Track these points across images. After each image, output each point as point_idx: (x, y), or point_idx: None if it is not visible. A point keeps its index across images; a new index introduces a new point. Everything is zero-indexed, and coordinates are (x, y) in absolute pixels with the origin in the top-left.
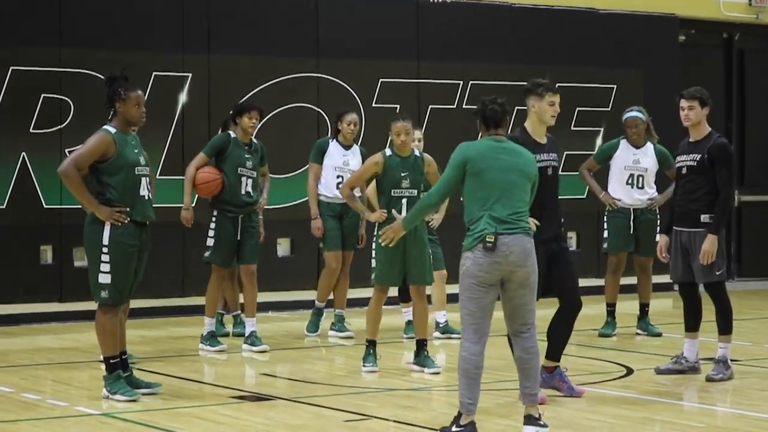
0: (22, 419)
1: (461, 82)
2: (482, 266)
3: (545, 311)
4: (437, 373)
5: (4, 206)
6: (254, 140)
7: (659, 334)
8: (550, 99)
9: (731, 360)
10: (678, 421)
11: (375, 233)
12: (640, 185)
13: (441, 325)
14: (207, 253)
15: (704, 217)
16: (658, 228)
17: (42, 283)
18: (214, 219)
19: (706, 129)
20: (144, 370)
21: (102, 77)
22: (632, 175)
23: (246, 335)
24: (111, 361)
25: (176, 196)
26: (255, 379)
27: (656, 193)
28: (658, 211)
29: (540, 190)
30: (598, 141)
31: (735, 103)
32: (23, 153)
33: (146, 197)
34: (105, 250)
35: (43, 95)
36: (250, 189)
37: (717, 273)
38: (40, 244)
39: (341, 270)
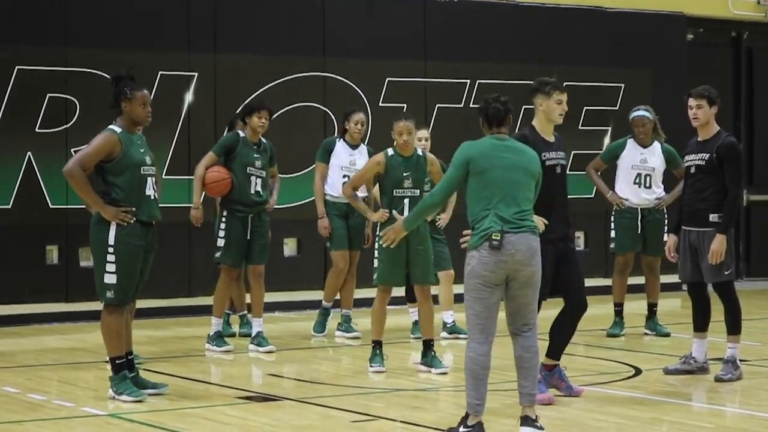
0: (28, 420)
1: (468, 81)
2: (488, 265)
3: (549, 311)
4: (444, 374)
5: (9, 206)
6: (263, 140)
7: (668, 334)
8: (558, 97)
9: (740, 360)
10: (687, 422)
11: (377, 233)
12: (647, 185)
13: (448, 325)
14: (218, 254)
15: (713, 217)
16: (666, 228)
17: (48, 283)
18: (224, 219)
19: (714, 128)
20: (150, 371)
21: (108, 77)
22: (639, 174)
23: (253, 335)
24: (117, 361)
25: (182, 196)
26: (262, 380)
27: (663, 193)
28: (665, 211)
29: (549, 189)
30: (606, 140)
31: (743, 102)
32: (29, 153)
33: (152, 197)
34: (111, 250)
35: (48, 95)
36: (259, 188)
37: (726, 273)
38: (46, 244)
39: (348, 270)
